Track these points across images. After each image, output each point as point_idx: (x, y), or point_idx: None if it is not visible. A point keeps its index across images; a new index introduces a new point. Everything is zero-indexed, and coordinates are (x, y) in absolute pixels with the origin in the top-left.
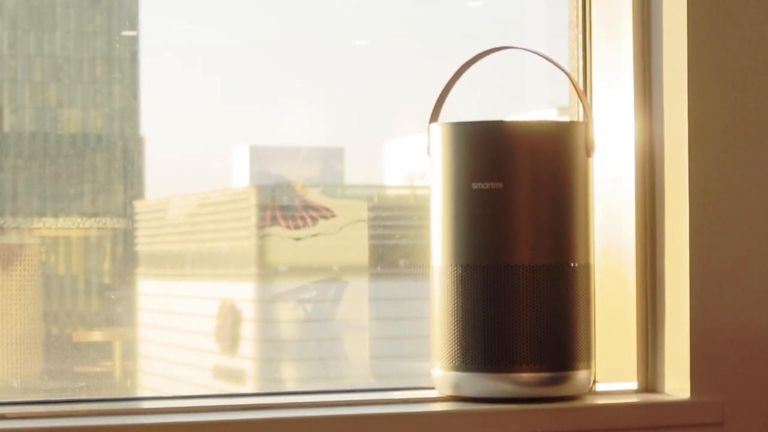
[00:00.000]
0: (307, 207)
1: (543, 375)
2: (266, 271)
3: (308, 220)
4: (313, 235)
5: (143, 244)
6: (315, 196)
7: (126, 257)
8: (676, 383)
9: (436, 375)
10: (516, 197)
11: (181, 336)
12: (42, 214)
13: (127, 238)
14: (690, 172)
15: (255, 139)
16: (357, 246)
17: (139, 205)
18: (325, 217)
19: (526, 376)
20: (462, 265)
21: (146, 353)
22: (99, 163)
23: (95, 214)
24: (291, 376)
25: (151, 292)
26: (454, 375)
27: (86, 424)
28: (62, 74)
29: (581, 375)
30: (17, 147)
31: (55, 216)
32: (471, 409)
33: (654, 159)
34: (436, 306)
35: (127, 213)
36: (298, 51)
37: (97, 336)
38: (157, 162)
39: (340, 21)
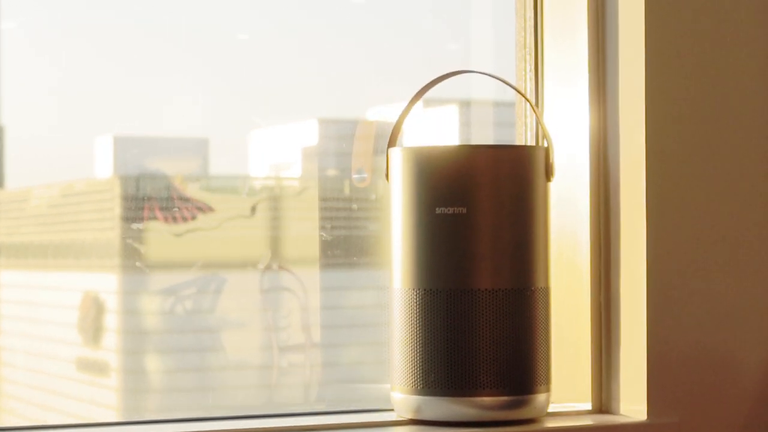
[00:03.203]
0: (186, 201)
1: (504, 399)
2: (130, 262)
3: (187, 215)
4: (192, 230)
5: (3, 235)
6: (194, 191)
7: None
8: (632, 405)
9: (395, 398)
10: (479, 222)
11: (43, 327)
12: None
13: None
14: (647, 190)
15: (119, 129)
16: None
17: None
18: (203, 211)
19: (487, 399)
20: (424, 289)
21: (6, 345)
22: None
23: None
24: (155, 368)
25: (12, 283)
26: (414, 399)
27: None
28: None
29: (540, 398)
30: None
31: None
32: None
33: (609, 174)
34: (396, 329)
35: None
36: (164, 37)
37: None
38: (18, 151)
39: (217, 10)
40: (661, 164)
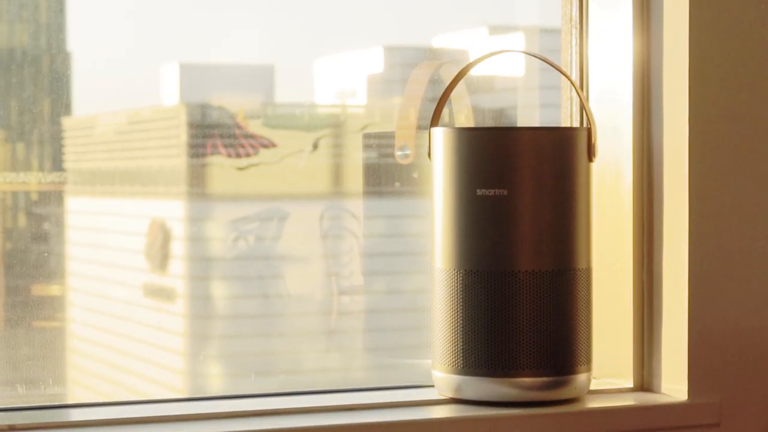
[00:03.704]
0: (248, 136)
1: (545, 379)
2: (197, 189)
3: (249, 149)
4: (255, 165)
5: (71, 161)
6: (256, 127)
7: (54, 174)
8: (673, 384)
9: (436, 376)
10: (520, 204)
11: (110, 254)
12: None
13: (55, 154)
14: (690, 171)
15: (185, 57)
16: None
17: (66, 121)
18: (266, 147)
19: (527, 380)
20: (465, 270)
21: (74, 271)
22: (25, 79)
23: (22, 131)
24: (222, 295)
25: (80, 210)
26: (455, 378)
27: None
28: None
29: (581, 378)
30: None
31: None
32: (473, 414)
33: (652, 164)
34: (438, 309)
35: (54, 130)
36: None
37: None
38: (85, 78)
39: None
40: (703, 148)
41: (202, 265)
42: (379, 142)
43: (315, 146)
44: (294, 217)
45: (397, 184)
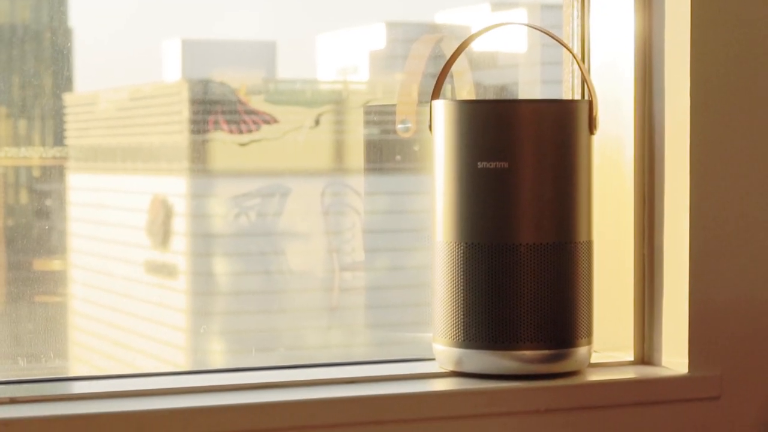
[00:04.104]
0: (250, 112)
1: (545, 352)
2: (199, 166)
3: (251, 125)
4: (257, 140)
5: (72, 138)
6: (258, 103)
7: (55, 150)
8: (674, 357)
9: (437, 349)
10: (521, 177)
11: (112, 230)
12: None
13: (56, 130)
14: (691, 145)
15: (186, 32)
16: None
17: (68, 97)
18: (267, 123)
19: (528, 353)
20: (466, 243)
21: (76, 248)
22: (27, 55)
23: (23, 106)
24: (223, 271)
25: (81, 186)
26: (456, 351)
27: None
28: None
29: (582, 351)
30: None
31: None
32: (474, 387)
33: (653, 137)
34: (438, 282)
35: (56, 105)
36: None
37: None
38: (87, 54)
39: None
40: (706, 119)
41: (204, 241)
42: (381, 118)
43: (317, 122)
44: (296, 193)
45: (398, 157)
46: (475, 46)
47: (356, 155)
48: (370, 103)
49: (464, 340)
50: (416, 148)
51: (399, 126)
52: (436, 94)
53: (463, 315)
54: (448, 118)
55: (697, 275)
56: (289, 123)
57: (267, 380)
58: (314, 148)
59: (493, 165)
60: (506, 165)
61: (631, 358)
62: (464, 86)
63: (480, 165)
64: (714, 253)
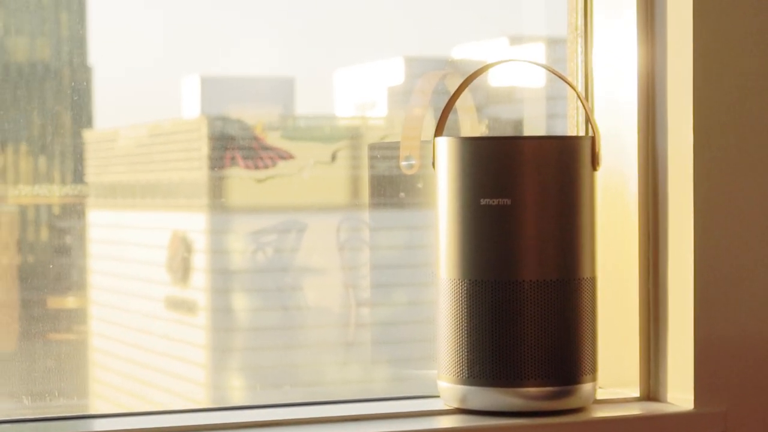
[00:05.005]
0: (266, 148)
1: (550, 389)
2: (218, 202)
3: (267, 161)
4: (273, 177)
5: (92, 174)
6: (274, 139)
7: (75, 187)
8: (680, 393)
9: (442, 387)
10: (523, 213)
11: (132, 267)
12: None
13: (76, 167)
14: (695, 180)
15: (205, 69)
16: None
17: (87, 134)
18: (284, 158)
19: (532, 390)
20: (469, 280)
21: (96, 284)
22: (47, 93)
23: (43, 144)
24: (243, 307)
25: (101, 223)
26: (460, 388)
27: None
28: (8, 1)
29: (586, 387)
30: None
31: (2, 146)
32: (479, 424)
33: (657, 173)
34: (442, 318)
35: (75, 142)
36: None
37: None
38: (106, 91)
39: None
40: (709, 154)
41: (223, 277)
42: (385, 154)
43: (333, 158)
44: (312, 229)
45: (402, 194)
46: (492, 81)
47: (372, 190)
48: (386, 139)
49: (468, 377)
50: (420, 185)
51: (403, 163)
52: (439, 130)
53: (467, 352)
54: (451, 155)
55: (703, 311)
56: (305, 159)
57: (268, 418)
58: (330, 184)
59: (495, 202)
60: (508, 202)
61: (637, 395)
62: (470, 122)
63: (482, 202)
64: (719, 288)
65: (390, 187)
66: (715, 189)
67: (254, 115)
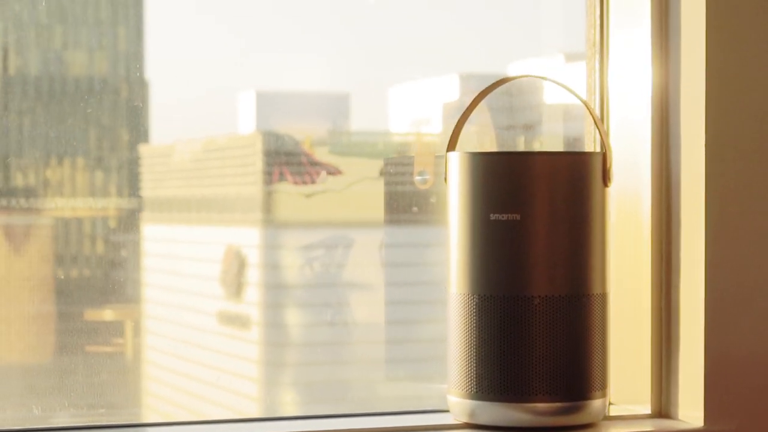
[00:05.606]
0: (315, 164)
1: (559, 404)
2: (272, 217)
3: (315, 177)
4: (322, 192)
5: (148, 189)
6: (323, 155)
7: (131, 201)
8: (690, 410)
9: (451, 401)
10: (533, 229)
11: (186, 281)
12: (47, 158)
13: (132, 181)
14: (707, 198)
15: (261, 85)
16: (365, 203)
17: (144, 149)
18: (332, 174)
19: (541, 405)
20: (479, 295)
21: (150, 298)
22: (104, 107)
23: (100, 158)
24: (296, 322)
25: (156, 237)
26: (469, 403)
27: None
28: (68, 16)
29: (597, 403)
30: (22, 90)
31: (60, 159)
32: None
33: (670, 191)
34: (452, 333)
35: (132, 157)
36: None
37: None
38: (162, 106)
39: None
40: (721, 172)
41: (275, 292)
42: (398, 170)
43: (381, 173)
44: (358, 244)
45: (414, 209)
46: (547, 99)
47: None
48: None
49: (477, 391)
50: (433, 200)
51: (417, 177)
52: (452, 145)
53: (477, 367)
54: (462, 170)
55: (714, 328)
56: (353, 174)
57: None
58: (378, 199)
59: (505, 217)
60: (518, 217)
61: (648, 411)
62: (487, 138)
63: (492, 217)
64: (730, 306)
65: (402, 203)
66: (728, 208)
67: (302, 130)
